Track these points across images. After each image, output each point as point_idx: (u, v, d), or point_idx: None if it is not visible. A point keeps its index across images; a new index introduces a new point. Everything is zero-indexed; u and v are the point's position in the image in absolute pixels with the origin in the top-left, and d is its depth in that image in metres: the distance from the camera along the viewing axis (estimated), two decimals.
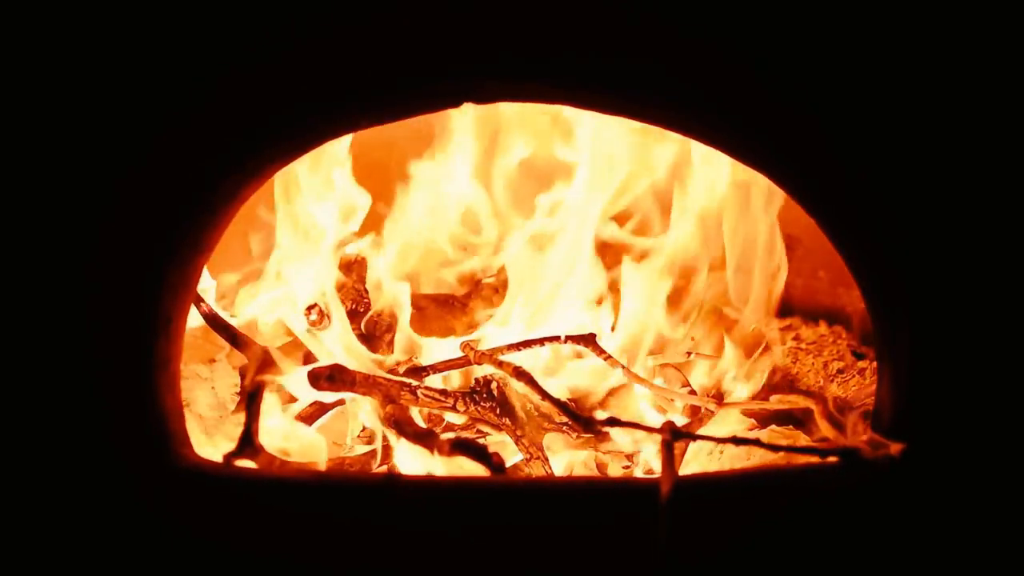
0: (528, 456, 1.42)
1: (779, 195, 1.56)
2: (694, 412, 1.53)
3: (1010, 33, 1.13)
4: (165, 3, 1.14)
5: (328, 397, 1.45)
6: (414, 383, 1.44)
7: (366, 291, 1.65)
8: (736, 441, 1.16)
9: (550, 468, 1.40)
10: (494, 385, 1.45)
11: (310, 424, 1.50)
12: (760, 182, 1.57)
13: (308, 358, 1.54)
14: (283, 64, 1.15)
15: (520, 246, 1.71)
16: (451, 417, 1.52)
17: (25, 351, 1.16)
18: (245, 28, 1.15)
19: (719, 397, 1.54)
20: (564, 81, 1.17)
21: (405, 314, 1.58)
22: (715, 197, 1.65)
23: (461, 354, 1.53)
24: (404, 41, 1.15)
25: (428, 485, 1.20)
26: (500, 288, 1.74)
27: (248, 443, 1.21)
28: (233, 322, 1.57)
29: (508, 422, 1.44)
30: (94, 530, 1.16)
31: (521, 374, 1.41)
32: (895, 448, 1.12)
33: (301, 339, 1.54)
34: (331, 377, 1.36)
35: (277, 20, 1.14)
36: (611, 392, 1.52)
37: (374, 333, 1.61)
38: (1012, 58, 1.13)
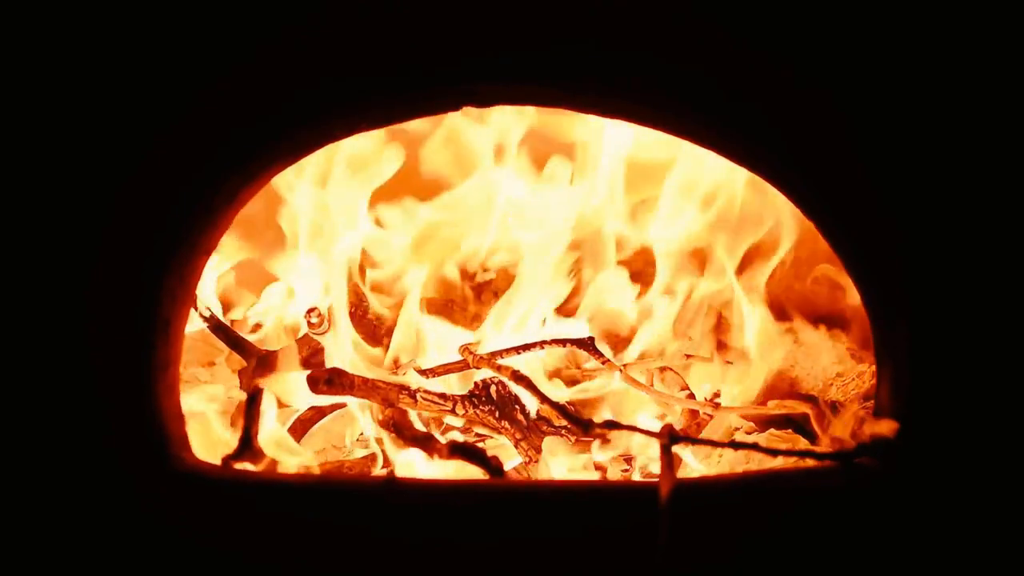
0: (527, 459, 1.42)
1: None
2: (693, 416, 1.53)
3: (1010, 39, 1.13)
4: (163, 6, 1.14)
5: (327, 401, 1.45)
6: (413, 386, 1.44)
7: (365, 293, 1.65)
8: (734, 445, 1.16)
9: (548, 471, 1.40)
10: (493, 389, 1.45)
11: (309, 427, 1.50)
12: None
13: (306, 362, 1.55)
14: (281, 67, 1.15)
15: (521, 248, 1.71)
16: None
17: (24, 354, 1.16)
18: (243, 31, 1.15)
19: (716, 401, 1.54)
20: (564, 84, 1.17)
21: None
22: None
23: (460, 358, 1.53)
24: (403, 44, 1.15)
25: (427, 488, 1.19)
26: (498, 291, 1.74)
27: (247, 446, 1.21)
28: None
29: (507, 425, 1.44)
30: (93, 533, 1.15)
31: (520, 378, 1.41)
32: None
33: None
34: (330, 381, 1.36)
35: (276, 23, 1.14)
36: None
37: (373, 335, 1.62)
38: (1008, 61, 1.13)
